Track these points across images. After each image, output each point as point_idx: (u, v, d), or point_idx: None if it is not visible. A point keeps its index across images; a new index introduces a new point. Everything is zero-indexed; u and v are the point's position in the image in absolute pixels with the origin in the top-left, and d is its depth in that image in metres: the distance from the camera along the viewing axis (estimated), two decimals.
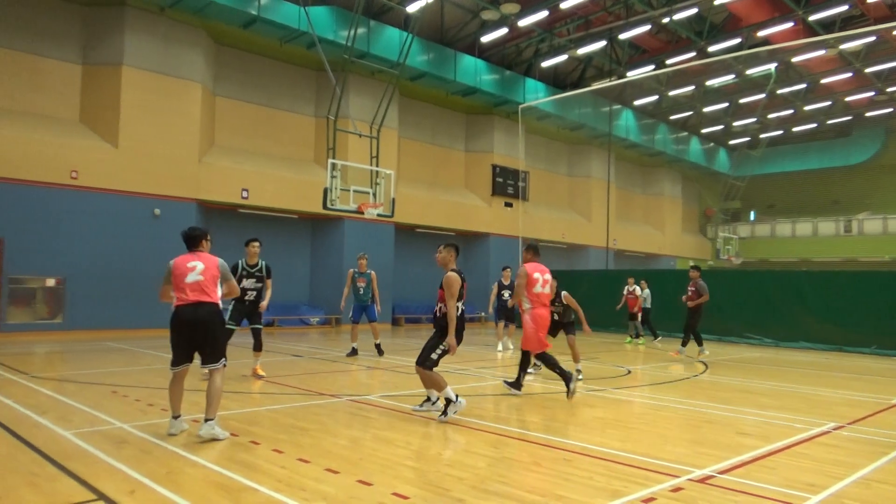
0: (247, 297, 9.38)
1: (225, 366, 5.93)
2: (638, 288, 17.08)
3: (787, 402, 8.50)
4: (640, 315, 17.23)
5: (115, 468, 4.70)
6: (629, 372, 11.35)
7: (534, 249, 8.58)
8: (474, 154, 26.88)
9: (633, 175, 36.12)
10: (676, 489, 4.47)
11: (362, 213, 16.71)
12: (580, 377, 9.81)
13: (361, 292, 12.28)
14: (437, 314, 6.84)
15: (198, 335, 5.82)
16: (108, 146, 16.89)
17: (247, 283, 9.38)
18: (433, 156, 25.78)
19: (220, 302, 5.99)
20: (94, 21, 17.27)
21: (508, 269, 14.63)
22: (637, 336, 17.28)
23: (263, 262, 9.57)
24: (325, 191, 16.14)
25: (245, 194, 19.36)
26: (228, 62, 20.12)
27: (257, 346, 9.62)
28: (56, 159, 15.97)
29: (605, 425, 6.72)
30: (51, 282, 16.01)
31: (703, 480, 4.69)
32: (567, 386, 7.90)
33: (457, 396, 6.61)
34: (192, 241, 6.09)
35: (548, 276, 8.32)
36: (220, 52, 19.83)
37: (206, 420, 5.66)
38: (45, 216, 15.77)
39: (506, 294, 14.25)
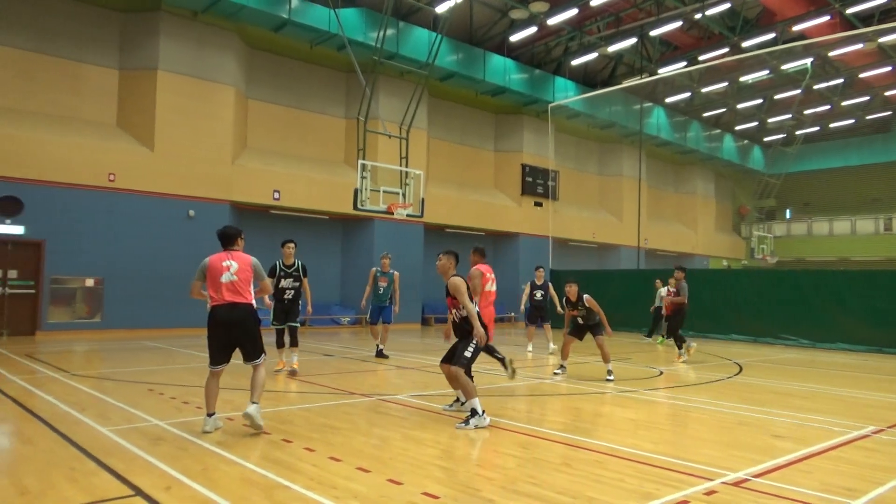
0: (285, 297, 9.84)
1: (264, 359, 6.15)
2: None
3: (823, 404, 8.32)
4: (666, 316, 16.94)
5: (151, 464, 4.81)
6: (661, 373, 11.21)
7: (480, 252, 9.04)
8: (503, 154, 26.82)
9: (665, 173, 35.66)
10: (710, 492, 4.41)
11: (392, 213, 16.80)
12: (611, 378, 9.72)
13: (381, 292, 12.10)
14: (456, 321, 6.78)
15: (234, 335, 5.99)
16: (145, 149, 17.25)
17: (284, 283, 9.82)
18: (462, 156, 25.79)
19: (254, 301, 6.12)
20: (130, 27, 17.66)
21: (542, 269, 14.57)
22: (650, 335, 17.21)
23: (300, 262, 9.99)
24: (356, 191, 16.26)
25: (277, 195, 19.61)
26: (260, 65, 20.40)
27: (293, 343, 9.95)
28: (95, 162, 16.38)
29: (637, 426, 6.66)
30: (90, 282, 16.41)
31: (737, 483, 4.62)
32: (505, 368, 8.30)
33: (483, 412, 6.39)
34: (228, 240, 6.20)
35: (493, 276, 8.92)
36: (251, 55, 20.12)
37: (253, 402, 5.92)
38: (84, 218, 16.18)
39: (538, 294, 14.18)
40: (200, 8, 17.68)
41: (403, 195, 17.12)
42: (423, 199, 17.45)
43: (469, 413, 6.45)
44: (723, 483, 4.61)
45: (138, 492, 4.19)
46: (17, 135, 15.44)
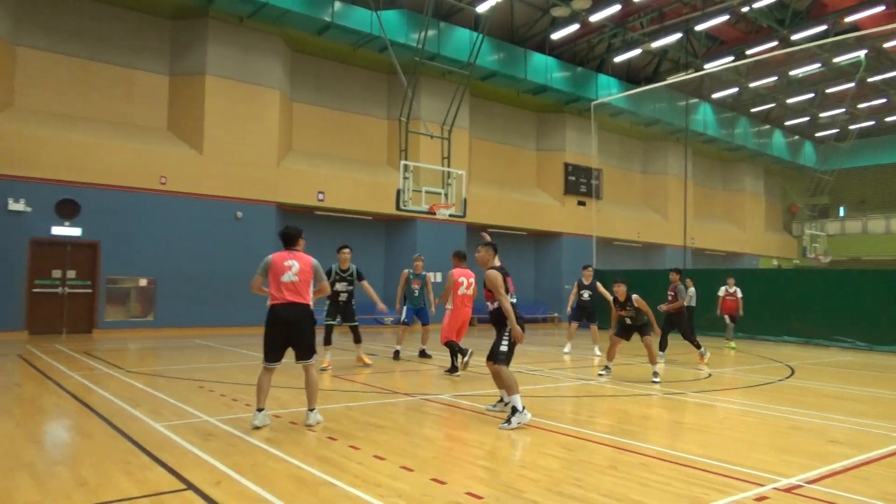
0: (340, 299, 10.59)
1: (316, 360, 6.36)
2: (739, 289, 16.10)
3: (882, 408, 8.02)
4: (736, 318, 16.16)
5: (202, 459, 4.94)
6: (709, 375, 10.98)
7: (459, 256, 10.21)
8: (546, 153, 26.64)
9: (712, 171, 34.88)
10: (761, 498, 4.30)
11: (434, 213, 16.85)
12: (657, 380, 9.56)
13: (416, 294, 12.20)
14: (491, 311, 6.83)
15: (290, 334, 6.17)
16: (194, 152, 17.71)
17: (339, 286, 10.56)
18: (504, 155, 25.71)
19: (311, 302, 6.29)
20: (179, 33, 18.16)
21: (590, 268, 14.32)
22: (729, 339, 16.24)
23: (354, 267, 10.78)
24: (398, 192, 16.37)
25: (321, 196, 19.88)
26: (304, 68, 20.72)
27: (357, 339, 10.93)
28: (147, 166, 16.89)
29: (685, 430, 6.53)
30: (143, 282, 16.93)
31: (789, 490, 4.49)
32: (462, 360, 9.45)
33: (523, 408, 6.37)
34: (290, 240, 6.35)
35: (472, 280, 10.13)
36: (295, 58, 20.45)
37: (310, 410, 6.24)
38: (137, 220, 16.70)
39: (585, 294, 13.97)
40: (246, 13, 18.06)
41: (445, 195, 17.15)
42: (465, 199, 17.47)
43: (510, 412, 6.44)
44: (774, 489, 4.49)
45: (190, 486, 4.31)
46: (74, 140, 16.03)
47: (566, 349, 14.15)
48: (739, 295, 16.03)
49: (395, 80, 21.22)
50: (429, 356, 12.43)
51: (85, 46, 16.92)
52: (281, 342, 6.18)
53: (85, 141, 16.17)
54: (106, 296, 16.44)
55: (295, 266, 6.16)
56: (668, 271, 13.65)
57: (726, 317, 16.20)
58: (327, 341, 10.62)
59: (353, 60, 21.37)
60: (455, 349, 9.92)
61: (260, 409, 6.10)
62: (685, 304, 16.63)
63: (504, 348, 6.62)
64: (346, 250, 10.66)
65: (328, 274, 10.27)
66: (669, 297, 13.19)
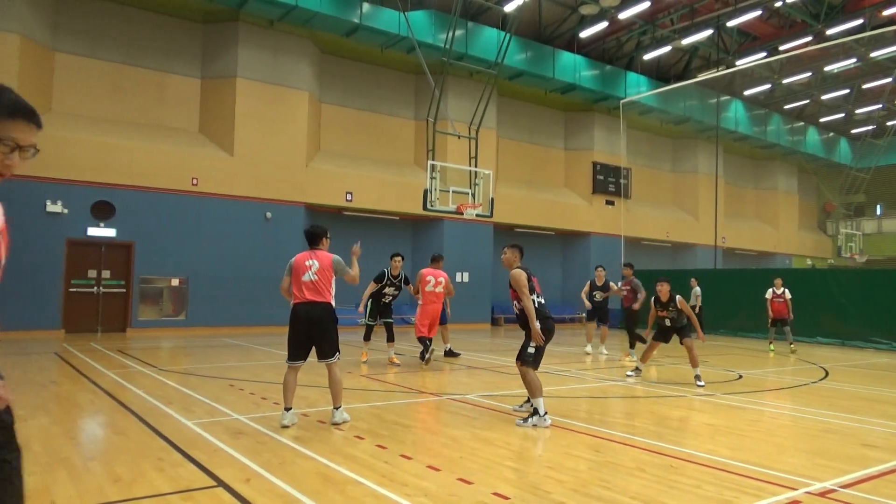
0: (384, 300, 11.35)
1: (339, 358, 6.36)
2: (787, 290, 15.06)
3: None
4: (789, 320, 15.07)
5: (232, 457, 5.02)
6: (740, 377, 10.81)
7: (434, 258, 11.56)
8: (574, 152, 26.46)
9: (744, 169, 34.28)
10: (793, 502, 4.22)
11: (461, 213, 16.86)
12: (701, 383, 9.35)
13: None
14: (518, 312, 6.83)
15: (313, 332, 6.21)
16: (225, 154, 17.97)
17: (388, 289, 11.33)
18: (532, 155, 25.60)
19: (332, 300, 6.30)
20: (210, 37, 18.45)
21: (602, 269, 14.30)
22: (790, 343, 15.12)
23: (404, 273, 11.55)
24: (425, 192, 16.41)
25: (349, 197, 20.03)
26: (332, 70, 20.88)
27: (390, 338, 11.40)
28: (179, 168, 17.19)
29: (715, 432, 6.45)
30: (175, 281, 17.24)
31: (823, 494, 4.41)
32: (423, 354, 10.68)
33: (545, 413, 6.42)
34: (312, 239, 6.41)
35: (441, 280, 11.17)
36: (324, 60, 20.62)
37: (335, 408, 6.31)
38: (170, 220, 17.01)
39: (597, 295, 13.91)
40: (276, 17, 18.27)
41: (473, 195, 17.15)
42: (492, 199, 17.44)
43: (532, 411, 6.47)
44: (807, 493, 4.41)
45: (220, 483, 4.38)
46: (109, 143, 16.39)
47: (587, 349, 14.10)
48: (788, 296, 15.01)
49: (423, 80, 21.27)
50: (456, 354, 12.50)
51: (119, 51, 17.29)
52: (303, 341, 6.25)
53: (119, 143, 16.51)
54: (139, 295, 16.77)
55: (315, 265, 6.21)
56: (696, 272, 13.44)
57: (772, 320, 15.09)
58: (367, 338, 11.56)
59: (380, 61, 21.48)
60: (424, 343, 11.02)
61: (288, 409, 6.17)
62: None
63: (531, 350, 6.61)
64: (399, 258, 11.34)
65: (381, 278, 11.20)
66: (626, 292, 12.99)
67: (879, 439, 6.22)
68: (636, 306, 12.71)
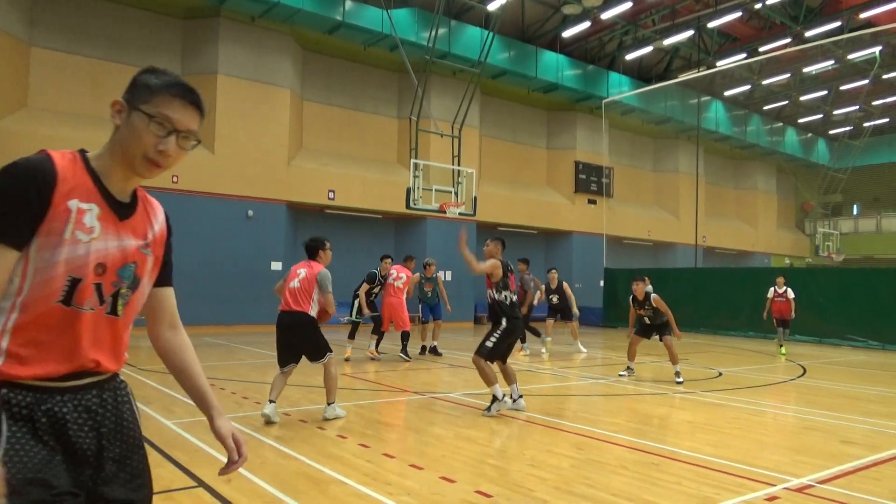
0: (372, 298, 12.01)
1: (329, 357, 6.41)
2: (790, 289, 14.12)
3: (895, 408, 7.95)
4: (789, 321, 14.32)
5: (213, 457, 4.97)
6: (720, 374, 10.92)
7: (406, 258, 12.23)
8: (556, 151, 26.56)
9: (724, 169, 34.65)
10: (772, 498, 4.27)
11: (444, 212, 16.86)
12: (680, 380, 9.43)
13: (429, 295, 13.04)
14: (490, 304, 7.10)
15: (295, 340, 6.32)
16: (206, 152, 17.80)
17: (377, 290, 11.98)
18: (515, 154, 25.66)
19: (311, 311, 6.30)
20: (191, 33, 18.25)
21: (555, 271, 14.54)
22: (780, 344, 14.60)
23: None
24: (408, 191, 16.39)
25: (331, 195, 19.93)
26: (314, 67, 20.77)
27: (375, 330, 11.94)
28: None
29: (696, 429, 6.51)
30: None
31: (801, 490, 4.47)
32: (375, 347, 11.74)
33: (504, 396, 6.84)
34: (308, 251, 6.54)
35: (402, 275, 11.60)
36: (306, 57, 20.50)
37: (329, 403, 6.45)
38: None
39: (554, 298, 14.08)
40: (258, 13, 18.11)
41: (456, 194, 17.15)
42: (475, 198, 17.45)
43: (491, 400, 6.80)
44: (786, 489, 4.47)
45: (201, 483, 4.34)
46: (88, 139, 16.01)
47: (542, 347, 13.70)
48: (791, 295, 14.05)
49: (406, 78, 21.22)
50: (439, 354, 12.56)
51: (98, 46, 17.04)
52: (287, 347, 6.35)
53: (99, 141, 15.90)
54: None
55: (302, 274, 6.33)
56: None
57: (775, 321, 14.33)
58: (351, 336, 12.00)
59: (363, 59, 21.39)
60: (378, 337, 11.90)
61: (271, 401, 6.22)
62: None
63: (490, 343, 6.86)
64: (388, 259, 12.07)
65: (373, 279, 11.74)
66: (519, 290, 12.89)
67: (857, 436, 6.32)
68: (524, 309, 11.89)
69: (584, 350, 13.90)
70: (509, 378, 7.08)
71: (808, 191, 39.28)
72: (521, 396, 7.11)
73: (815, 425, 6.80)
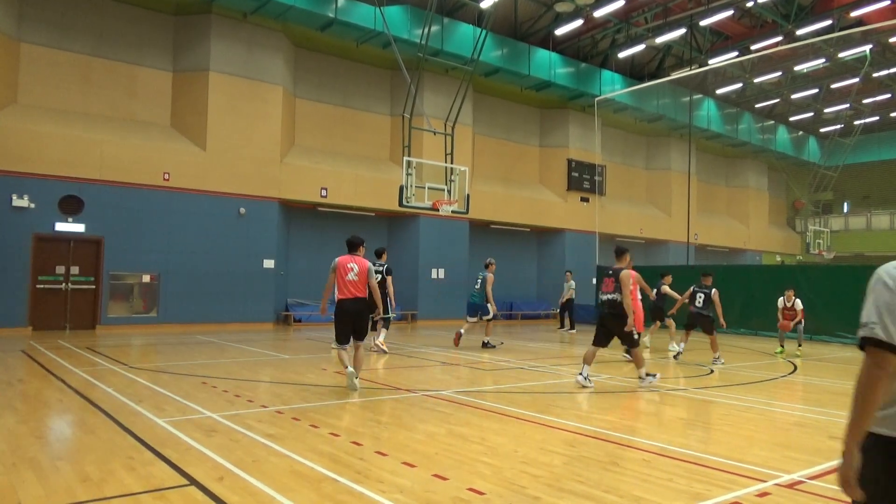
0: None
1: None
2: (799, 301, 13.85)
3: None
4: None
5: (205, 455, 4.96)
6: (712, 371, 10.98)
7: (377, 250, 12.79)
8: (549, 149, 26.59)
9: (716, 167, 34.80)
10: (762, 494, 4.30)
11: (437, 210, 16.86)
12: (715, 366, 11.09)
13: (475, 292, 14.01)
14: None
15: (356, 321, 7.99)
16: (197, 149, 17.72)
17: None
18: (507, 151, 25.68)
19: (367, 296, 8.04)
20: (182, 29, 18.15)
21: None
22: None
23: (386, 265, 12.72)
24: (401, 188, 16.36)
25: (324, 193, 19.89)
26: (307, 64, 20.70)
27: (373, 327, 12.26)
28: (150, 162, 16.90)
29: (687, 426, 6.54)
30: (146, 278, 16.96)
31: (791, 486, 4.50)
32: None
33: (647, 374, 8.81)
34: (352, 247, 8.27)
35: (350, 266, 11.49)
36: (298, 54, 20.43)
37: (356, 374, 8.00)
38: (141, 216, 16.73)
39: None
40: (250, 10, 18.03)
41: (448, 192, 17.15)
42: (468, 196, 17.46)
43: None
44: (776, 485, 4.50)
45: (192, 481, 4.33)
46: (78, 136, 16.05)
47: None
48: (799, 307, 13.79)
49: (399, 76, 21.20)
50: (492, 346, 13.63)
51: (88, 43, 16.92)
52: (348, 328, 7.95)
53: (88, 137, 16.19)
54: (109, 292, 16.47)
55: (356, 268, 7.98)
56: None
57: (781, 330, 14.08)
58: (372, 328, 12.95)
59: (356, 56, 21.34)
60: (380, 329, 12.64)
61: (347, 367, 7.96)
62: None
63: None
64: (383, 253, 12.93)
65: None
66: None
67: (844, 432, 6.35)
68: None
69: (678, 349, 12.94)
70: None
71: (799, 188, 39.50)
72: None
73: (804, 421, 6.85)
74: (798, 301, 14.02)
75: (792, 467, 4.94)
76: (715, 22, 23.32)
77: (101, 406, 6.80)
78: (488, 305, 13.68)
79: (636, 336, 9.06)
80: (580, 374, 8.70)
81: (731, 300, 18.81)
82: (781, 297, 14.15)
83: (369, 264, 8.08)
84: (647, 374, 8.92)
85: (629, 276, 8.66)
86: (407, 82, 17.66)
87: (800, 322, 14.02)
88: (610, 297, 8.79)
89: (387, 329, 12.70)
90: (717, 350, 11.86)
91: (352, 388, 7.84)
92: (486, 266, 13.92)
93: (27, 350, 11.76)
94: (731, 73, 28.55)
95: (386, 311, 12.38)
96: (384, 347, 12.35)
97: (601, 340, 8.90)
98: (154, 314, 17.05)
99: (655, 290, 14.02)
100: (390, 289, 12.49)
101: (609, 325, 8.82)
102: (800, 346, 14.48)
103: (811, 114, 34.33)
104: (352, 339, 8.08)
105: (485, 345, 13.74)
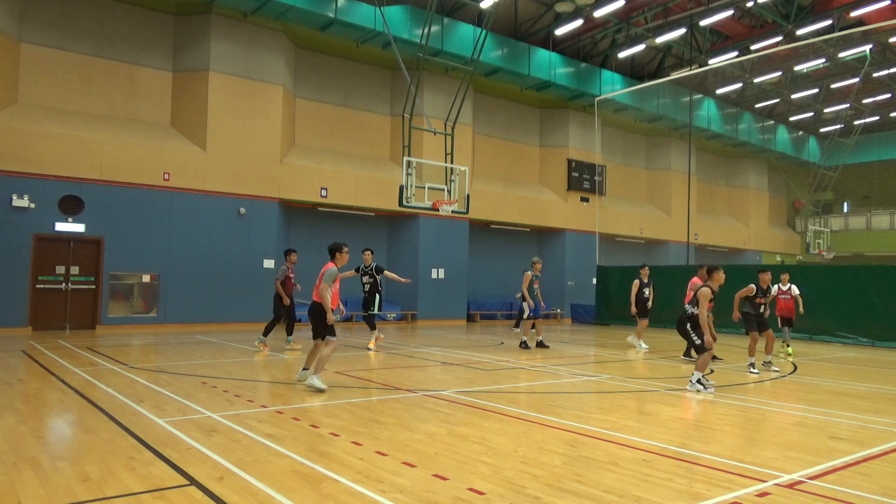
0: (364, 290, 13.18)
1: (331, 341, 8.09)
2: (794, 286, 13.60)
3: (884, 405, 8.01)
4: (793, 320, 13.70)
5: (205, 455, 4.96)
6: (711, 371, 10.97)
7: (370, 250, 13.23)
8: (549, 149, 26.60)
9: (716, 167, 34.81)
10: (762, 494, 4.30)
11: (437, 210, 16.86)
12: (755, 371, 10.73)
13: (534, 293, 13.85)
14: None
15: (312, 322, 8.26)
16: (197, 149, 17.72)
17: (364, 279, 13.11)
18: (507, 151, 25.68)
19: (322, 300, 8.02)
20: (182, 29, 18.16)
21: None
22: (786, 344, 13.93)
23: (374, 264, 13.24)
24: (401, 188, 16.37)
25: (324, 193, 19.89)
26: (307, 64, 20.71)
27: (371, 328, 13.28)
28: (150, 162, 16.91)
29: (686, 426, 6.54)
30: (146, 278, 16.97)
31: (791, 486, 4.50)
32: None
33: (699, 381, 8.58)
34: (329, 253, 8.45)
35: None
36: (299, 54, 20.44)
37: (303, 369, 8.46)
38: (141, 216, 16.74)
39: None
40: (250, 9, 18.04)
41: (448, 192, 17.15)
42: (468, 196, 17.47)
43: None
44: (776, 485, 4.50)
45: (192, 481, 4.33)
46: (78, 136, 16.05)
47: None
48: (796, 292, 13.53)
49: (399, 76, 21.22)
50: (546, 346, 13.82)
51: (88, 43, 16.93)
52: (314, 328, 8.28)
53: (88, 137, 16.19)
54: (109, 292, 16.48)
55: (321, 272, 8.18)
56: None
57: (780, 319, 13.71)
58: (372, 327, 13.29)
59: (356, 56, 21.34)
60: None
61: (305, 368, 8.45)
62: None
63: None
64: (368, 252, 13.19)
65: (357, 269, 13.10)
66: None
67: (846, 432, 6.36)
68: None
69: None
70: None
71: (798, 188, 39.49)
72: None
73: (804, 421, 6.85)
74: (794, 287, 13.57)
75: (792, 467, 4.94)
76: (715, 22, 23.33)
77: (101, 406, 6.80)
78: (523, 304, 13.61)
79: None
80: (700, 384, 8.68)
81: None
82: (777, 284, 13.50)
83: (326, 268, 8.17)
84: (699, 381, 8.55)
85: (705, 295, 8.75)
86: (407, 82, 17.66)
87: (800, 312, 13.46)
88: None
89: (372, 328, 13.24)
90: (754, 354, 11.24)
91: (299, 378, 8.45)
92: (533, 265, 13.96)
93: (27, 350, 11.76)
94: (731, 73, 28.56)
95: (368, 308, 13.11)
96: (371, 347, 12.95)
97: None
98: (154, 314, 17.05)
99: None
100: (395, 279, 13.28)
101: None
102: (788, 346, 13.80)
103: (811, 114, 34.34)
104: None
105: (521, 345, 13.63)
